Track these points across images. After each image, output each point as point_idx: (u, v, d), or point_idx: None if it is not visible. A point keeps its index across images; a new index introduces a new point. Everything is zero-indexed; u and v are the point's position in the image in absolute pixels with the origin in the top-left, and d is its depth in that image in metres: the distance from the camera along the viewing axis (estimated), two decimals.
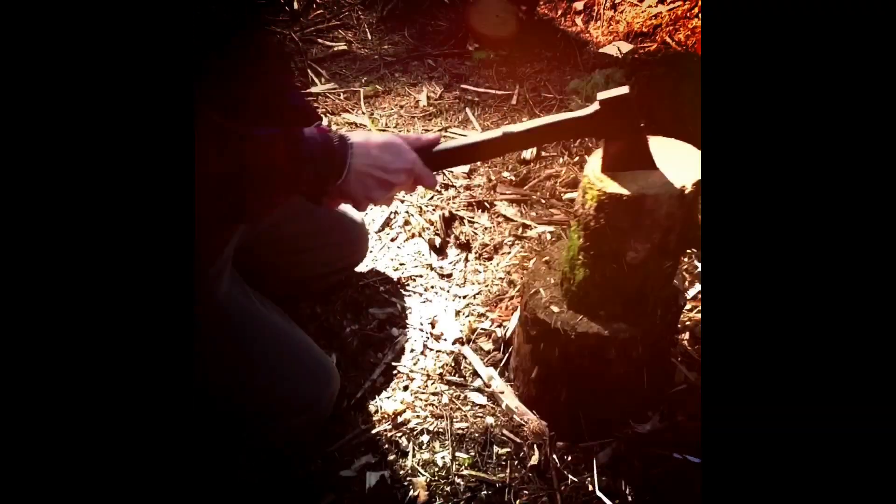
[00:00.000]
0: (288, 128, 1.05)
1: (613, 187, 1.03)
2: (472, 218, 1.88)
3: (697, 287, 1.61)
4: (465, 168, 2.08)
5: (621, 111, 1.02)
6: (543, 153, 2.12)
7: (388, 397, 1.42)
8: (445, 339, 1.54)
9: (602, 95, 1.02)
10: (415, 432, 1.34)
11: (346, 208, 1.53)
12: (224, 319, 1.18)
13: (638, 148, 1.06)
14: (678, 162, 1.07)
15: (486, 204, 1.92)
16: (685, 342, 1.47)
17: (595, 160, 1.10)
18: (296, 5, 3.08)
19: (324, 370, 1.27)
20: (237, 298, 1.23)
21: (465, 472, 1.26)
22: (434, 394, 1.42)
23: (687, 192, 1.03)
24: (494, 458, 1.28)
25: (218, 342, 1.17)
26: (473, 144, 1.09)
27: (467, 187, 1.99)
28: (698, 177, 1.04)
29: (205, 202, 1.04)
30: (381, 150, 1.04)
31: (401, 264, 1.76)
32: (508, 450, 1.29)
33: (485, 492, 1.22)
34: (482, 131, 2.25)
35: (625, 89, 1.02)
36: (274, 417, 1.22)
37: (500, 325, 1.55)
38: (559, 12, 2.89)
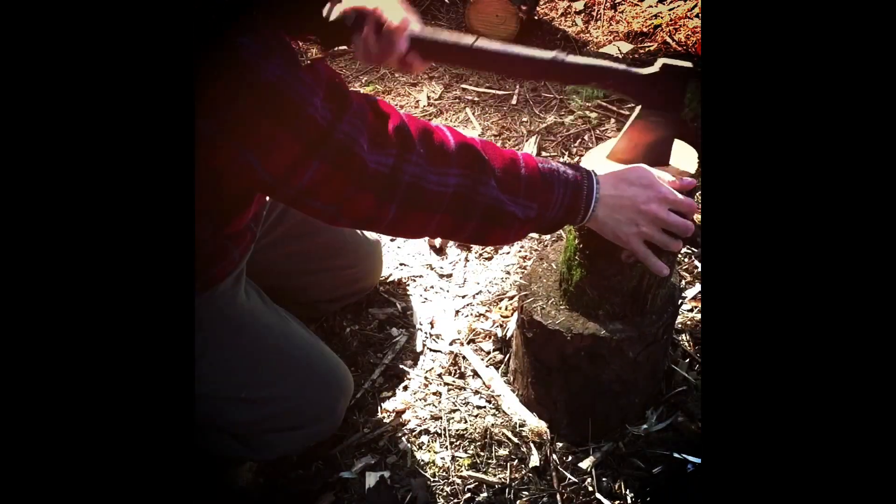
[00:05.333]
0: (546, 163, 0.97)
1: None
2: None
3: (697, 287, 1.61)
4: None
5: (677, 85, 0.96)
6: (543, 153, 2.12)
7: (388, 398, 1.42)
8: (445, 340, 1.54)
9: (666, 60, 0.97)
10: (414, 433, 1.34)
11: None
12: (242, 329, 1.18)
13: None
14: (672, 159, 1.07)
15: None
16: (685, 342, 1.47)
17: (587, 159, 1.10)
18: None
19: (340, 379, 1.27)
20: (255, 308, 1.22)
21: (464, 473, 1.25)
22: (434, 394, 1.42)
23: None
24: (494, 458, 1.28)
25: (236, 352, 1.16)
26: (513, 54, 1.01)
27: None
28: (691, 172, 1.04)
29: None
30: (630, 183, 0.96)
31: (401, 264, 1.75)
32: (508, 450, 1.29)
33: (485, 493, 1.22)
34: (477, 126, 2.25)
35: (689, 65, 0.96)
36: (291, 427, 1.22)
37: (500, 326, 1.55)
38: (559, 12, 2.89)
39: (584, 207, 0.96)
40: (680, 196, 0.97)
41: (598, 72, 1.00)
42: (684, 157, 1.08)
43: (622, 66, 0.99)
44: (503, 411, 1.36)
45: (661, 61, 0.97)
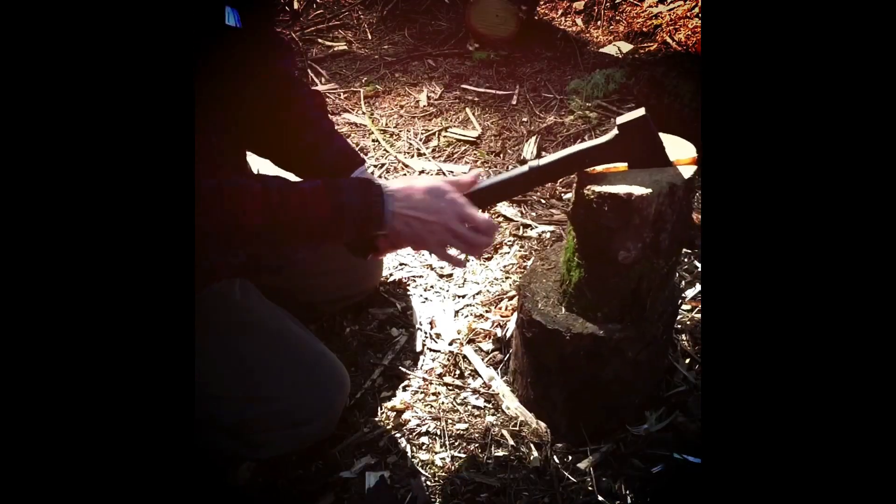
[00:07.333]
0: (329, 178, 1.03)
1: (603, 187, 1.03)
2: None
3: (697, 287, 1.61)
4: (466, 168, 2.08)
5: (640, 133, 1.04)
6: (543, 153, 2.12)
7: (388, 398, 1.42)
8: (445, 340, 1.54)
9: (620, 120, 1.04)
10: (414, 433, 1.34)
11: None
12: (238, 327, 1.18)
13: (656, 153, 1.07)
14: (671, 158, 1.07)
15: None
16: (685, 342, 1.47)
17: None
18: (296, 5, 3.08)
19: (337, 377, 1.26)
20: (251, 306, 1.22)
21: (464, 473, 1.25)
22: (434, 394, 1.42)
23: (677, 189, 1.02)
24: (494, 459, 1.28)
25: (232, 349, 1.16)
26: (505, 181, 1.10)
27: None
28: (689, 174, 1.04)
29: (226, 251, 1.04)
30: (425, 193, 1.02)
31: (401, 264, 1.75)
32: (508, 451, 1.29)
33: (484, 493, 1.22)
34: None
35: (641, 111, 1.03)
36: (288, 425, 1.21)
37: (500, 326, 1.55)
38: (559, 12, 2.89)
39: (375, 226, 1.02)
40: (475, 213, 1.04)
41: (575, 158, 1.07)
42: (679, 153, 1.08)
43: (589, 145, 1.06)
44: (503, 411, 1.36)
45: (617, 122, 1.04)
